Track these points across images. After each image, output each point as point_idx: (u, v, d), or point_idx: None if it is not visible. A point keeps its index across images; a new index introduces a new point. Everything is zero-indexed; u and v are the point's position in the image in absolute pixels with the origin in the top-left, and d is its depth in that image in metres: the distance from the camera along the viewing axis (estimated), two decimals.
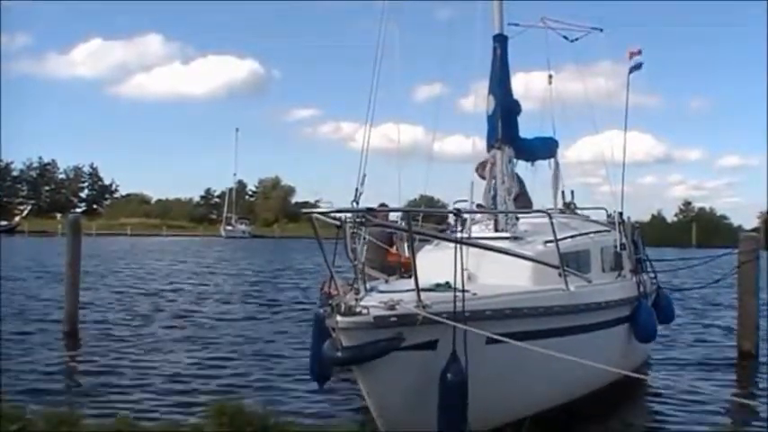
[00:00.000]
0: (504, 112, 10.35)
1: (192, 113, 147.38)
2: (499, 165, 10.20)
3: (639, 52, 11.93)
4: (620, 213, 11.12)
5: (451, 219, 9.49)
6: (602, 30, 12.66)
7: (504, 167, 10.17)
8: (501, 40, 10.54)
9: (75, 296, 14.08)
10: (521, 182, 11.13)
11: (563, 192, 12.33)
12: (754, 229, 52.52)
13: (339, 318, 6.34)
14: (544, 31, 12.22)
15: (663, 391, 10.31)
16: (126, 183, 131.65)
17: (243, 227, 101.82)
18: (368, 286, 7.11)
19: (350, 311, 6.35)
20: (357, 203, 7.77)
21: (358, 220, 6.73)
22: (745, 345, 12.75)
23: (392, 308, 6.44)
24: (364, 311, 6.36)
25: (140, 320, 16.42)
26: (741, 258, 12.92)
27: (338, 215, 6.85)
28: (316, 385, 8.53)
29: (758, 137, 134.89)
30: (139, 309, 18.46)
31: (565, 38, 12.49)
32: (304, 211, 6.81)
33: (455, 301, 6.59)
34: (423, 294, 6.59)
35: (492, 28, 10.55)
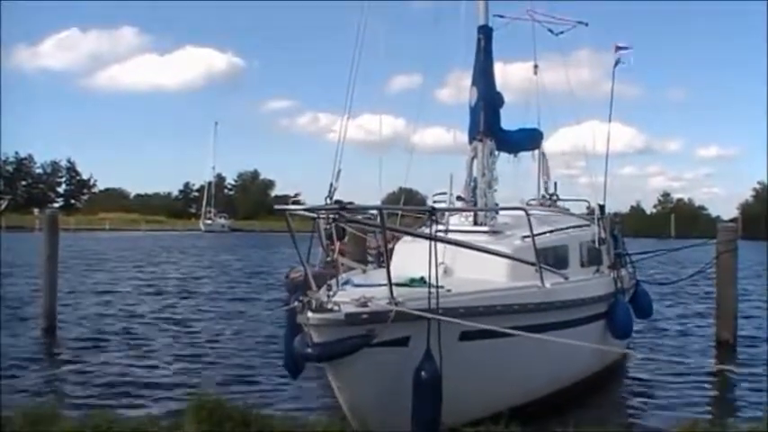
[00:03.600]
0: (487, 105, 10.34)
1: (168, 106, 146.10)
2: (480, 157, 10.18)
3: (626, 48, 11.91)
4: (602, 207, 11.11)
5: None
6: (587, 24, 12.67)
7: (484, 160, 10.15)
8: (486, 32, 10.53)
9: (54, 292, 13.96)
10: None
11: (546, 183, 12.32)
12: (733, 220, 52.98)
13: (310, 314, 6.30)
14: (526, 23, 12.22)
15: (639, 384, 10.37)
16: (104, 177, 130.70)
17: (222, 221, 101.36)
18: (344, 277, 7.08)
19: (321, 308, 6.31)
20: (331, 199, 7.73)
21: (332, 216, 6.69)
22: (724, 334, 12.87)
23: (364, 304, 6.41)
24: (336, 308, 6.33)
25: (119, 316, 16.27)
26: (719, 249, 13.02)
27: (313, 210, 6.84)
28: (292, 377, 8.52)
29: (737, 127, 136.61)
30: (118, 305, 18.31)
31: (550, 31, 12.49)
32: (277, 207, 6.73)
33: (429, 299, 6.55)
34: (396, 290, 6.55)
35: (475, 19, 10.54)
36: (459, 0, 10.72)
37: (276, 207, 6.75)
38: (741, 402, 9.54)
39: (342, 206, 6.60)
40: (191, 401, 7.86)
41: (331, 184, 8.16)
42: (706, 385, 10.49)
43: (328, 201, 7.64)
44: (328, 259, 7.04)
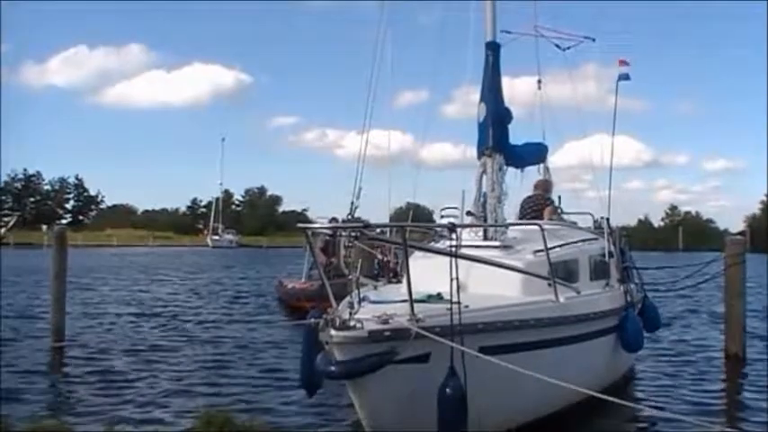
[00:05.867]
0: (496, 120, 10.37)
1: (175, 122, 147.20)
2: (489, 172, 10.21)
3: (628, 63, 11.95)
4: (608, 220, 11.13)
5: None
6: (594, 39, 12.71)
7: (494, 175, 10.18)
8: (494, 48, 10.58)
9: (62, 308, 13.99)
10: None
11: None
12: (740, 233, 52.78)
13: (333, 332, 6.30)
14: (534, 38, 12.29)
15: (650, 397, 10.31)
16: (111, 194, 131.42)
17: (230, 236, 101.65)
18: (360, 294, 7.10)
19: (344, 325, 6.31)
20: (352, 216, 7.78)
21: (354, 234, 6.72)
22: (732, 347, 12.80)
23: (386, 322, 6.42)
24: (358, 326, 6.33)
25: (127, 332, 16.31)
26: (727, 262, 12.98)
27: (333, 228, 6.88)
28: (304, 393, 8.47)
29: (744, 140, 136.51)
30: (126, 320, 18.36)
31: (557, 46, 12.55)
32: (300, 225, 6.77)
33: (452, 315, 6.54)
34: (416, 307, 6.56)
35: (482, 35, 10.60)
36: (468, 16, 10.80)
37: (299, 225, 6.78)
38: (751, 422, 9.44)
39: (365, 224, 6.62)
40: (200, 417, 7.88)
41: (352, 203, 8.23)
42: (715, 401, 10.41)
43: (349, 218, 7.70)
44: (350, 276, 7.06)
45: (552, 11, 12.81)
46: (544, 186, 11.82)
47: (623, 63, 11.85)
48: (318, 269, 7.08)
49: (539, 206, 11.47)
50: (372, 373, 6.40)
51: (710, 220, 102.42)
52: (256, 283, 31.80)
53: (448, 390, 6.43)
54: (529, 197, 11.66)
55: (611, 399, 6.50)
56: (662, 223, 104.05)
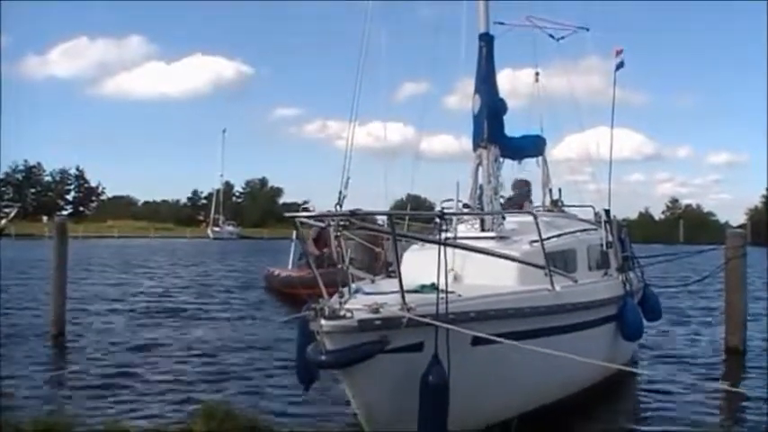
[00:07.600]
0: (490, 112, 10.35)
1: (175, 114, 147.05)
2: (485, 164, 10.19)
3: (621, 51, 11.93)
4: (607, 211, 11.12)
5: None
6: (588, 29, 12.70)
7: (489, 167, 10.15)
8: (487, 40, 10.55)
9: (62, 299, 14.03)
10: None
11: (550, 189, 12.33)
12: (741, 226, 52.75)
13: (323, 321, 6.29)
14: (530, 30, 12.27)
15: (649, 389, 10.31)
16: (112, 185, 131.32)
17: (230, 228, 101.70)
18: (353, 287, 7.09)
19: (334, 315, 6.31)
20: (340, 206, 7.74)
21: (342, 222, 6.70)
22: (733, 340, 12.79)
23: (376, 311, 6.42)
24: (348, 315, 6.32)
25: (127, 323, 16.34)
26: (728, 255, 12.95)
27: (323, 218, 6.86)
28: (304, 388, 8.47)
29: (747, 133, 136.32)
30: (126, 311, 18.37)
31: (551, 36, 12.54)
32: (287, 214, 6.79)
33: (437, 304, 6.54)
34: (407, 296, 6.56)
35: (477, 26, 10.57)
36: (461, 7, 10.77)
37: (286, 214, 6.78)
38: (750, 414, 9.43)
39: (352, 212, 6.61)
40: (200, 409, 7.88)
41: (340, 192, 8.18)
42: (714, 396, 10.38)
43: (337, 208, 7.66)
44: (341, 265, 7.05)
45: (549, 6, 12.80)
46: (521, 186, 11.81)
47: (620, 52, 11.83)
48: (308, 258, 7.05)
49: (518, 204, 11.46)
50: (363, 362, 6.40)
51: (711, 213, 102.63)
52: (256, 274, 31.77)
53: (430, 377, 6.40)
54: (509, 198, 11.66)
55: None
56: (663, 216, 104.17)
